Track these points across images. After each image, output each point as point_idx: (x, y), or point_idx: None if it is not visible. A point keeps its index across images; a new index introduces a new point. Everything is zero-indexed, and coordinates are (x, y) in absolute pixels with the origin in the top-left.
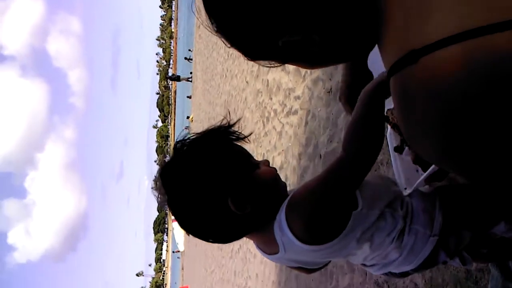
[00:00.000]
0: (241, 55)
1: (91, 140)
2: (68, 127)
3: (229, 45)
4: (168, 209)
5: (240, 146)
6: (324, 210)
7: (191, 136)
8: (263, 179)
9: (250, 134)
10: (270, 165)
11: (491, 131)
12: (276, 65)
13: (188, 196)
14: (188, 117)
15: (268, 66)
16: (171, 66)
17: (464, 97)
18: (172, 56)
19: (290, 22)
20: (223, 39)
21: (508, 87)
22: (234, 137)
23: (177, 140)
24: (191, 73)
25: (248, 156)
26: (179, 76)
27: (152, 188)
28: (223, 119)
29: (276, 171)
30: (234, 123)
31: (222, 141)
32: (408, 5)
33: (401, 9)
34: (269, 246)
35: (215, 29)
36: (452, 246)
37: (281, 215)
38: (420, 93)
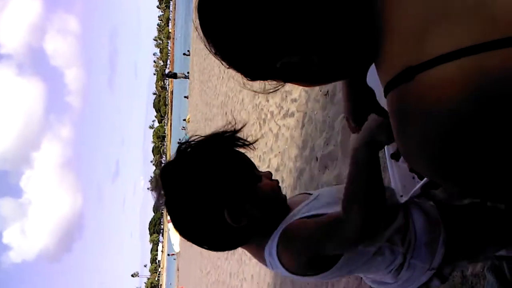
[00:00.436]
0: (241, 76)
1: (87, 140)
2: (64, 126)
3: (227, 66)
4: (165, 209)
5: (244, 155)
6: (316, 255)
7: (196, 138)
8: (264, 193)
9: (255, 141)
10: (265, 165)
11: (483, 150)
12: (275, 88)
13: (186, 200)
14: (184, 120)
15: (267, 93)
16: (168, 66)
17: (458, 116)
18: (169, 56)
19: (288, 44)
20: (221, 61)
21: (500, 108)
22: (239, 144)
23: (182, 141)
24: (184, 54)
25: (252, 167)
26: (176, 73)
27: (150, 188)
28: (228, 124)
29: (278, 183)
30: (240, 129)
31: (228, 148)
32: (405, 23)
33: (398, 27)
34: (259, 259)
35: (213, 51)
36: (447, 274)
37: (273, 243)
38: (416, 110)
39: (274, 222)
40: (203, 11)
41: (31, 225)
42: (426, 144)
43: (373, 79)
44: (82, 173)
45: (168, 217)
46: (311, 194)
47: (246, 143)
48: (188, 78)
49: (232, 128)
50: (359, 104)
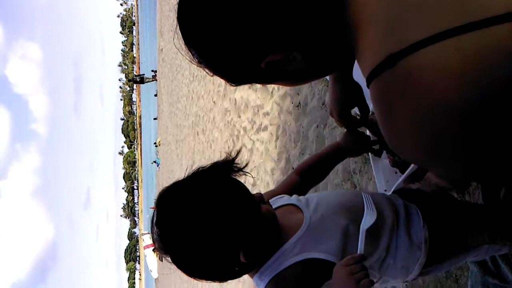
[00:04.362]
0: (225, 82)
1: (56, 168)
2: (31, 154)
3: (211, 74)
4: (165, 255)
5: (243, 184)
6: None
7: (193, 176)
8: (266, 223)
9: (246, 165)
10: (241, 181)
11: (470, 129)
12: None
13: (196, 245)
14: (155, 143)
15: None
16: (134, 90)
17: (441, 98)
18: None
19: (270, 41)
20: (205, 69)
21: (480, 87)
22: (235, 170)
23: (184, 178)
24: (152, 71)
25: (252, 196)
26: (143, 77)
27: (154, 239)
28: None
29: (272, 207)
30: (237, 156)
31: (229, 180)
32: (381, 13)
33: (374, 17)
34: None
35: (197, 60)
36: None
37: (262, 283)
38: (400, 95)
39: (269, 245)
40: (183, 21)
41: (1, 257)
42: (412, 126)
43: (358, 74)
44: (52, 202)
45: (145, 243)
46: (299, 208)
47: (242, 167)
48: (156, 77)
49: (230, 157)
50: (345, 100)
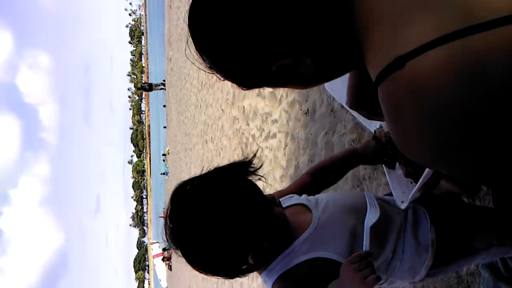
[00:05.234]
0: (236, 86)
1: (66, 176)
2: (41, 162)
3: (222, 79)
4: (177, 250)
5: (257, 186)
6: None
7: (210, 173)
8: (278, 226)
9: (261, 166)
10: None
11: (476, 129)
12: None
13: (207, 241)
14: (164, 154)
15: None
16: (143, 99)
17: (448, 98)
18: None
19: (280, 46)
20: (216, 74)
21: (485, 88)
22: (251, 171)
23: (201, 175)
24: (164, 80)
25: (265, 198)
26: (151, 85)
27: (166, 235)
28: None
29: (283, 208)
30: (253, 158)
31: (244, 182)
32: (387, 15)
33: (381, 20)
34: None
35: (208, 65)
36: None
37: (270, 281)
38: (408, 96)
39: (278, 245)
40: (194, 27)
41: (12, 265)
42: (419, 124)
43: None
44: (62, 210)
45: (153, 253)
46: (308, 208)
47: (257, 169)
48: (164, 85)
49: (247, 159)
50: (361, 90)
